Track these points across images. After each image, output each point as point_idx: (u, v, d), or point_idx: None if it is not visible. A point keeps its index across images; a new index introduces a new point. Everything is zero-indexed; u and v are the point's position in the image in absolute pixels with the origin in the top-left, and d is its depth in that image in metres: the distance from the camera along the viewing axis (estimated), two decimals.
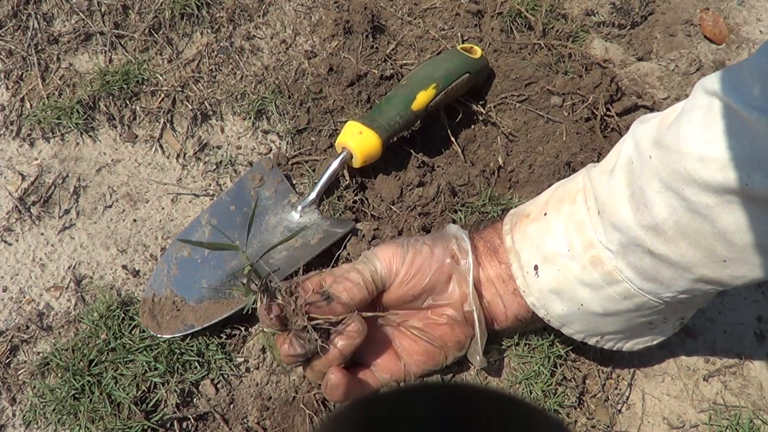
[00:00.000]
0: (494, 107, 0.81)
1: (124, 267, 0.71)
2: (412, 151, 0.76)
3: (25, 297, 0.69)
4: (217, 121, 0.81)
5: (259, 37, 0.86)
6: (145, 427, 0.61)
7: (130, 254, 0.73)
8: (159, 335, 0.65)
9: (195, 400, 0.65)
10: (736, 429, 0.66)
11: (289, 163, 0.78)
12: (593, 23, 0.92)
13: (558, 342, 0.67)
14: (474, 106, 0.80)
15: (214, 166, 0.78)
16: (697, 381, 0.70)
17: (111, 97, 0.80)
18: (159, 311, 0.66)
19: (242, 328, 0.68)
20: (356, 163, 0.72)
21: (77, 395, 0.62)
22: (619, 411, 0.67)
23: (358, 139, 0.71)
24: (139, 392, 0.63)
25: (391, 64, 0.82)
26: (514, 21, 0.87)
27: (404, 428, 0.24)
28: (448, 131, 0.79)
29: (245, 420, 0.64)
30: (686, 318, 0.62)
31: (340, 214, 0.73)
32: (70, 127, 0.78)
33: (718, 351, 0.72)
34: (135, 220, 0.75)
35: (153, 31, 0.84)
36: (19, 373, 0.65)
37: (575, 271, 0.57)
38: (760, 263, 0.49)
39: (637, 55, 0.92)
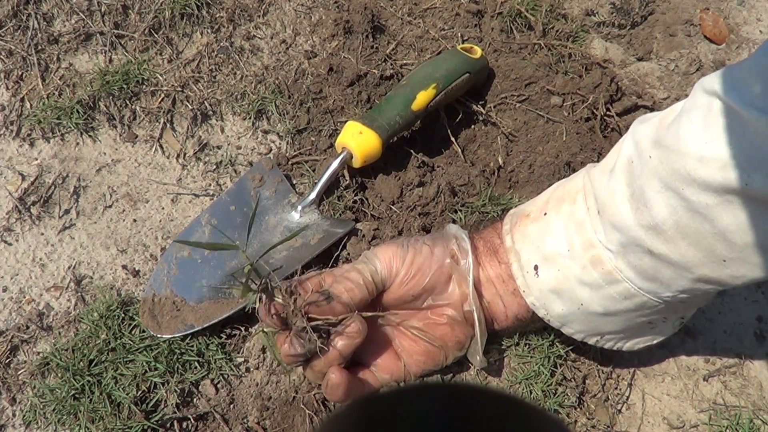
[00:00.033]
0: (494, 107, 0.81)
1: (124, 267, 0.71)
2: (412, 151, 0.76)
3: (25, 297, 0.69)
4: (217, 121, 0.81)
5: (259, 37, 0.86)
6: (145, 427, 0.61)
7: (130, 254, 0.73)
8: (159, 335, 0.65)
9: (195, 400, 0.65)
10: (736, 429, 0.66)
11: (289, 163, 0.78)
12: (593, 23, 0.92)
13: (558, 342, 0.67)
14: (474, 106, 0.80)
15: (214, 166, 0.78)
16: (697, 381, 0.70)
17: (111, 97, 0.80)
18: (159, 311, 0.66)
19: (242, 328, 0.68)
20: (356, 163, 0.72)
21: (77, 395, 0.62)
22: (619, 411, 0.67)
23: (358, 139, 0.71)
24: (139, 392, 0.63)
25: (391, 64, 0.82)
26: (514, 21, 0.87)
27: (404, 428, 0.24)
28: (448, 131, 0.79)
29: (245, 420, 0.64)
30: (686, 317, 0.62)
31: (340, 214, 0.73)
32: (70, 127, 0.78)
33: (718, 351, 0.72)
34: (135, 220, 0.75)
35: (153, 31, 0.84)
36: (19, 373, 0.65)
37: (575, 271, 0.57)
38: (759, 263, 0.49)
39: (637, 55, 0.92)
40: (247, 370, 0.67)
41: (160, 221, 0.75)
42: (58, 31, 0.83)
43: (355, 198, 0.74)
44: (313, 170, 0.77)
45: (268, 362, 0.67)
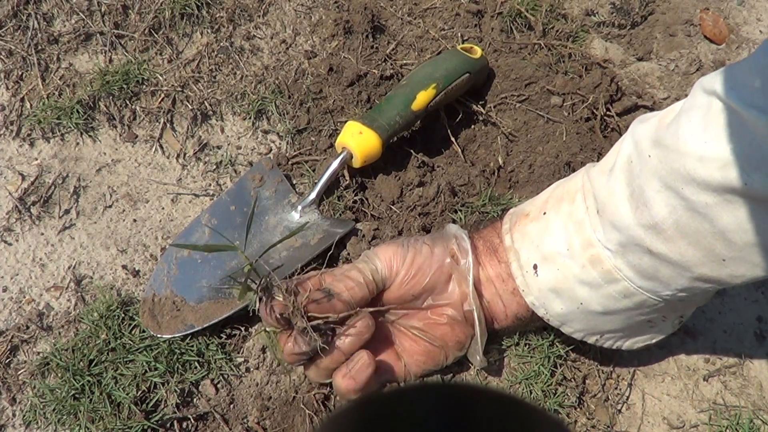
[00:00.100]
0: (494, 107, 0.81)
1: (124, 267, 0.71)
2: (412, 151, 0.76)
3: (25, 297, 0.69)
4: (217, 121, 0.81)
5: (259, 37, 0.86)
6: (145, 427, 0.61)
7: (130, 254, 0.73)
8: (159, 335, 0.65)
9: (195, 400, 0.65)
10: (736, 429, 0.66)
11: (289, 163, 0.78)
12: (593, 23, 0.92)
13: (558, 342, 0.67)
14: (474, 106, 0.80)
15: (214, 166, 0.78)
16: (697, 381, 0.70)
17: (111, 97, 0.80)
18: (159, 311, 0.66)
19: (242, 328, 0.68)
20: (356, 163, 0.72)
21: (77, 395, 0.62)
22: (619, 411, 0.67)
23: (358, 139, 0.71)
24: (139, 392, 0.63)
25: (391, 64, 0.82)
26: (514, 21, 0.87)
27: (404, 428, 0.24)
28: (448, 131, 0.79)
29: (245, 420, 0.64)
30: (685, 316, 0.62)
31: (340, 214, 0.73)
32: (70, 127, 0.78)
33: (718, 351, 0.72)
34: (135, 220, 0.75)
35: (153, 31, 0.84)
36: (19, 373, 0.65)
37: (574, 270, 0.57)
38: (759, 262, 0.49)
39: (637, 55, 0.92)
40: (247, 370, 0.67)
41: (160, 221, 0.75)
42: (58, 31, 0.83)
43: (355, 198, 0.74)
44: (313, 170, 0.77)
45: (268, 362, 0.67)
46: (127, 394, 0.62)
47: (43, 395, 0.63)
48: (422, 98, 0.74)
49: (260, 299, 0.55)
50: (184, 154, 0.79)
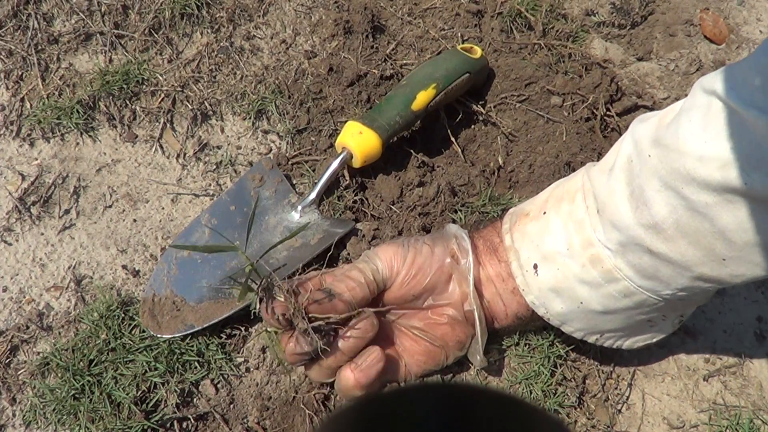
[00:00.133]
0: (494, 107, 0.81)
1: (124, 267, 0.71)
2: (412, 151, 0.76)
3: (25, 297, 0.69)
4: (217, 121, 0.81)
5: (259, 37, 0.86)
6: (145, 427, 0.61)
7: (130, 254, 0.73)
8: (159, 335, 0.65)
9: (195, 400, 0.65)
10: (736, 429, 0.66)
11: (289, 163, 0.78)
12: (593, 23, 0.92)
13: (558, 342, 0.67)
14: (474, 106, 0.80)
15: (214, 166, 0.78)
16: (697, 381, 0.70)
17: (111, 97, 0.80)
18: (159, 311, 0.66)
19: (242, 328, 0.68)
20: (356, 163, 0.72)
21: (77, 395, 0.62)
22: (619, 411, 0.67)
23: (358, 139, 0.71)
24: (139, 392, 0.63)
25: (391, 64, 0.82)
26: (514, 21, 0.87)
27: (404, 428, 0.24)
28: (448, 131, 0.79)
29: (245, 420, 0.64)
30: (685, 315, 0.62)
31: (340, 214, 0.73)
32: (70, 127, 0.78)
33: (718, 351, 0.72)
34: (135, 220, 0.75)
35: (153, 31, 0.84)
36: (19, 373, 0.65)
37: (574, 269, 0.57)
38: (759, 262, 0.49)
39: (637, 55, 0.92)
40: (247, 370, 0.67)
41: (160, 221, 0.75)
42: (58, 31, 0.83)
43: (355, 198, 0.74)
44: (313, 170, 0.77)
45: (268, 362, 0.67)
46: (127, 394, 0.62)
47: (43, 395, 0.63)
48: (422, 98, 0.74)
49: (261, 300, 0.55)
50: (184, 154, 0.79)
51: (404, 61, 0.84)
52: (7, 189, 0.74)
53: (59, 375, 0.64)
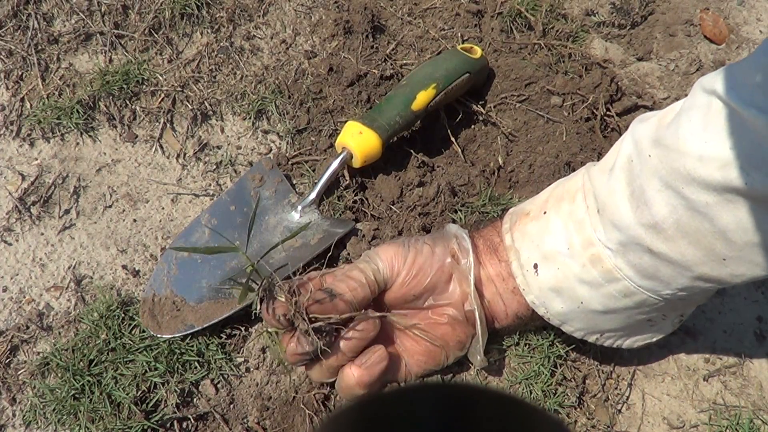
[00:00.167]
0: (494, 107, 0.81)
1: (124, 267, 0.71)
2: (412, 151, 0.76)
3: (25, 297, 0.69)
4: (217, 121, 0.81)
5: (259, 37, 0.86)
6: (145, 427, 0.61)
7: (130, 254, 0.73)
8: (159, 335, 0.65)
9: (195, 400, 0.65)
10: (736, 429, 0.66)
11: (289, 163, 0.78)
12: (593, 23, 0.92)
13: (558, 342, 0.67)
14: (474, 106, 0.80)
15: (214, 166, 0.78)
16: (697, 381, 0.70)
17: (111, 97, 0.80)
18: (159, 311, 0.66)
19: (242, 328, 0.68)
20: (356, 163, 0.72)
21: (77, 395, 0.62)
22: (619, 411, 0.67)
23: (358, 139, 0.71)
24: (139, 392, 0.63)
25: (391, 64, 0.82)
26: (514, 21, 0.87)
27: (404, 428, 0.24)
28: (448, 131, 0.79)
29: (245, 420, 0.64)
30: (685, 315, 0.62)
31: (340, 214, 0.73)
32: (70, 127, 0.78)
33: (718, 351, 0.72)
34: (135, 220, 0.75)
35: (153, 31, 0.84)
36: (19, 373, 0.65)
37: (575, 269, 0.57)
38: (759, 262, 0.49)
39: (637, 55, 0.92)
40: (247, 370, 0.67)
41: (160, 221, 0.75)
42: (58, 31, 0.83)
43: (355, 198, 0.74)
44: (313, 170, 0.77)
45: (268, 362, 0.67)
46: (127, 394, 0.62)
47: (43, 395, 0.63)
48: (422, 98, 0.74)
49: (262, 300, 0.55)
50: (184, 154, 0.79)
51: (404, 61, 0.84)
52: (7, 189, 0.74)
53: (59, 375, 0.64)
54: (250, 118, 0.81)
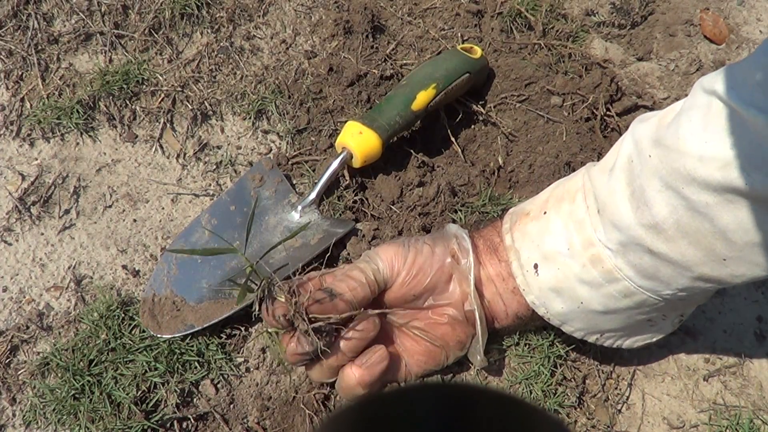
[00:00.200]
0: (494, 107, 0.81)
1: (124, 267, 0.71)
2: (412, 151, 0.76)
3: (25, 297, 0.69)
4: (217, 121, 0.81)
5: (259, 37, 0.86)
6: (145, 427, 0.61)
7: (130, 254, 0.73)
8: (159, 335, 0.65)
9: (195, 400, 0.65)
10: (736, 429, 0.66)
11: (289, 163, 0.78)
12: (593, 23, 0.92)
13: (558, 342, 0.67)
14: (474, 106, 0.80)
15: (214, 166, 0.78)
16: (697, 381, 0.70)
17: (111, 97, 0.80)
18: (159, 311, 0.66)
19: (242, 328, 0.68)
20: (356, 163, 0.72)
21: (77, 395, 0.62)
22: (619, 411, 0.67)
23: (358, 139, 0.71)
24: (139, 392, 0.63)
25: (391, 64, 0.82)
26: (514, 21, 0.87)
27: (404, 428, 0.24)
28: (448, 131, 0.79)
29: (245, 420, 0.64)
30: (685, 315, 0.62)
31: (340, 214, 0.73)
32: (70, 127, 0.78)
33: (718, 351, 0.72)
34: (135, 220, 0.75)
35: (153, 31, 0.84)
36: (19, 373, 0.65)
37: (575, 269, 0.57)
38: (760, 262, 0.49)
39: (637, 55, 0.92)
40: (247, 370, 0.67)
41: (160, 221, 0.75)
42: (58, 31, 0.83)
43: (355, 198, 0.74)
44: (313, 170, 0.77)
45: (268, 362, 0.67)
46: (127, 394, 0.62)
47: (43, 395, 0.63)
48: (422, 98, 0.74)
49: (261, 300, 0.55)
50: (184, 154, 0.79)
51: (404, 61, 0.84)
52: (7, 189, 0.74)
53: (59, 375, 0.64)
54: (250, 118, 0.81)
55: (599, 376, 0.68)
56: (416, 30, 0.86)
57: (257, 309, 0.56)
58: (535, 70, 0.82)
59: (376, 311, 0.59)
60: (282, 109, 0.81)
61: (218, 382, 0.65)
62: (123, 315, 0.67)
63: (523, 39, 0.86)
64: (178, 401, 0.63)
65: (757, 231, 0.47)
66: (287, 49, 0.86)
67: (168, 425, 0.63)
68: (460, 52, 0.78)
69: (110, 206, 0.75)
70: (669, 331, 0.63)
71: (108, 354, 0.65)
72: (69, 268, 0.71)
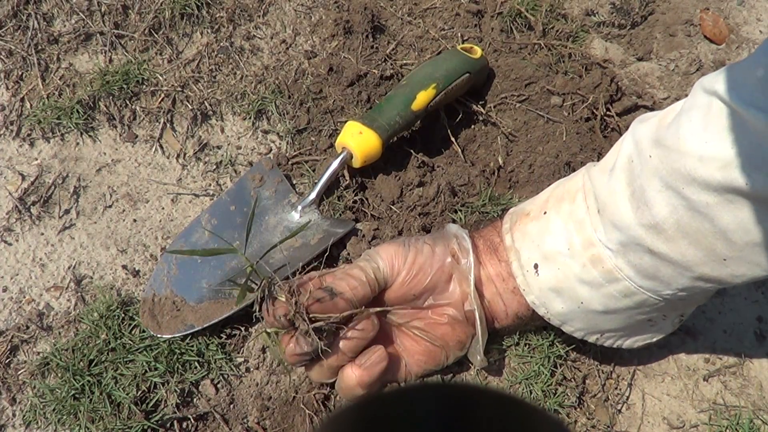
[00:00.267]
0: (494, 107, 0.81)
1: (124, 267, 0.71)
2: (412, 151, 0.76)
3: (25, 297, 0.69)
4: (217, 121, 0.81)
5: (259, 37, 0.86)
6: (145, 427, 0.61)
7: (130, 254, 0.73)
8: (159, 335, 0.65)
9: (195, 400, 0.65)
10: (736, 429, 0.66)
11: (289, 163, 0.78)
12: (593, 23, 0.92)
13: (558, 342, 0.67)
14: (474, 106, 0.80)
15: (214, 166, 0.78)
16: (697, 381, 0.70)
17: (111, 97, 0.80)
18: (159, 311, 0.66)
19: (242, 328, 0.68)
20: (356, 163, 0.72)
21: (77, 395, 0.62)
22: (619, 411, 0.67)
23: (358, 139, 0.71)
24: (139, 392, 0.63)
25: (391, 64, 0.82)
26: (514, 21, 0.87)
27: (404, 428, 0.24)
28: (448, 131, 0.79)
29: (245, 420, 0.64)
30: (685, 315, 0.62)
31: (340, 214, 0.73)
32: (70, 127, 0.78)
33: (718, 351, 0.72)
34: (135, 220, 0.75)
35: (153, 31, 0.84)
36: (19, 373, 0.65)
37: (575, 269, 0.57)
38: (760, 262, 0.49)
39: (637, 55, 0.92)
40: (247, 370, 0.67)
41: (160, 221, 0.75)
42: (58, 31, 0.83)
43: (355, 198, 0.74)
44: (313, 170, 0.77)
45: (268, 362, 0.67)
46: (127, 394, 0.62)
47: (43, 395, 0.63)
48: (422, 98, 0.74)
49: (262, 300, 0.55)
50: (184, 154, 0.79)
51: (404, 61, 0.84)
52: (7, 189, 0.74)
53: (59, 375, 0.64)
54: (250, 118, 0.81)
55: (599, 376, 0.68)
56: (416, 30, 0.86)
57: (257, 309, 0.56)
58: (535, 70, 0.82)
59: (377, 309, 0.59)
60: (282, 109, 0.81)
61: (218, 382, 0.65)
62: (123, 315, 0.67)
63: (523, 39, 0.86)
64: (178, 401, 0.63)
65: (757, 231, 0.47)
66: (287, 49, 0.86)
67: (168, 425, 0.63)
68: (460, 52, 0.78)
69: (110, 206, 0.75)
70: (669, 331, 0.63)
71: (108, 354, 0.65)
72: (69, 268, 0.71)
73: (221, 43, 0.84)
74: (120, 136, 0.79)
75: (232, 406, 0.65)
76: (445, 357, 0.63)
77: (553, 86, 0.81)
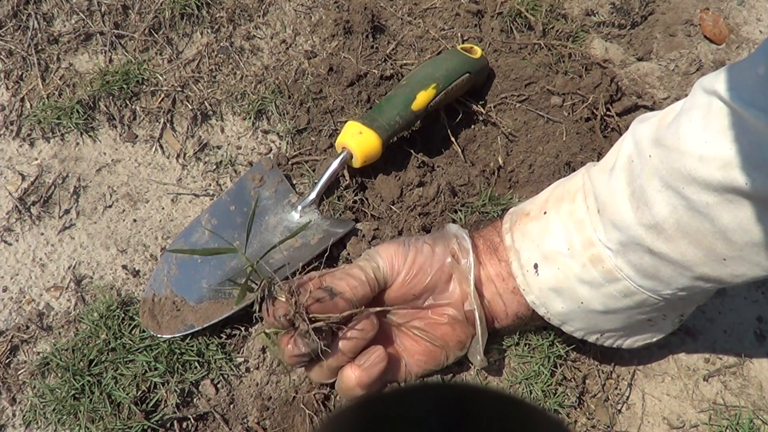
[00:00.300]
0: (494, 107, 0.81)
1: (124, 267, 0.71)
2: (412, 151, 0.76)
3: (25, 297, 0.69)
4: (217, 121, 0.81)
5: (259, 37, 0.86)
6: (145, 427, 0.61)
7: (130, 254, 0.73)
8: (159, 335, 0.65)
9: (195, 400, 0.65)
10: (736, 429, 0.66)
11: (289, 163, 0.78)
12: (593, 23, 0.92)
13: (558, 342, 0.67)
14: (474, 106, 0.80)
15: (214, 166, 0.78)
16: (697, 381, 0.70)
17: (111, 97, 0.80)
18: (159, 311, 0.66)
19: (242, 328, 0.68)
20: (356, 163, 0.72)
21: (77, 395, 0.62)
22: (619, 411, 0.67)
23: (358, 139, 0.71)
24: (139, 392, 0.63)
25: (391, 64, 0.82)
26: (514, 21, 0.87)
27: (404, 428, 0.24)
28: (448, 131, 0.79)
29: (245, 420, 0.64)
30: (686, 315, 0.62)
31: (340, 214, 0.73)
32: (70, 127, 0.78)
33: (718, 351, 0.72)
34: (135, 220, 0.75)
35: (153, 31, 0.84)
36: (19, 373, 0.65)
37: (575, 269, 0.57)
38: (760, 261, 0.49)
39: (637, 55, 0.92)
40: (247, 370, 0.67)
41: (160, 221, 0.75)
42: (58, 31, 0.83)
43: (355, 198, 0.74)
44: (313, 170, 0.77)
45: (268, 362, 0.67)
46: (127, 394, 0.62)
47: (43, 395, 0.63)
48: (422, 98, 0.74)
49: (262, 300, 0.55)
50: (184, 154, 0.79)
51: (404, 61, 0.84)
52: (7, 189, 0.74)
53: (59, 375, 0.64)
54: (250, 118, 0.81)
55: (599, 376, 0.68)
56: (416, 30, 0.86)
57: (257, 309, 0.56)
58: (535, 70, 0.82)
59: (377, 309, 0.59)
60: (282, 109, 0.81)
61: (218, 382, 0.65)
62: (123, 315, 0.67)
63: (523, 39, 0.86)
64: (178, 401, 0.63)
65: (757, 231, 0.47)
66: (287, 49, 0.86)
67: (168, 425, 0.63)
68: (460, 52, 0.78)
69: (110, 206, 0.75)
70: (669, 331, 0.63)
71: (108, 354, 0.65)
72: (69, 268, 0.71)
73: (221, 43, 0.84)
74: (120, 136, 0.79)
75: (232, 406, 0.65)
76: (445, 357, 0.63)
77: (553, 86, 0.81)
